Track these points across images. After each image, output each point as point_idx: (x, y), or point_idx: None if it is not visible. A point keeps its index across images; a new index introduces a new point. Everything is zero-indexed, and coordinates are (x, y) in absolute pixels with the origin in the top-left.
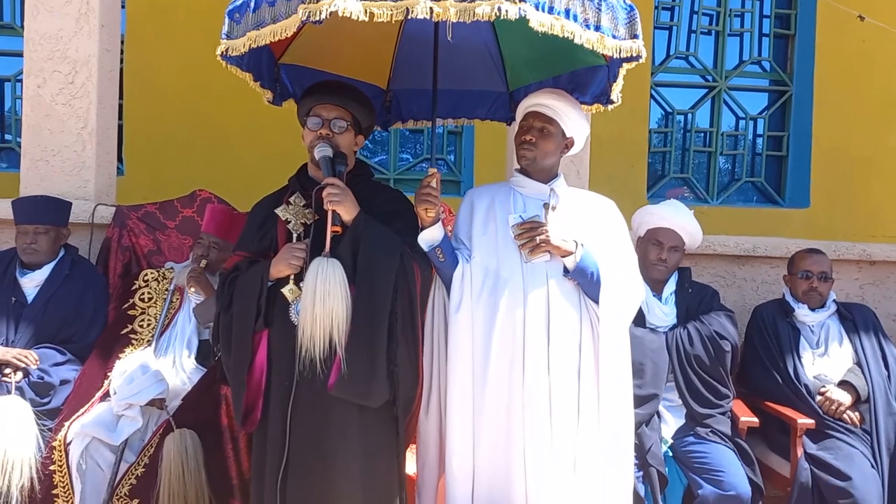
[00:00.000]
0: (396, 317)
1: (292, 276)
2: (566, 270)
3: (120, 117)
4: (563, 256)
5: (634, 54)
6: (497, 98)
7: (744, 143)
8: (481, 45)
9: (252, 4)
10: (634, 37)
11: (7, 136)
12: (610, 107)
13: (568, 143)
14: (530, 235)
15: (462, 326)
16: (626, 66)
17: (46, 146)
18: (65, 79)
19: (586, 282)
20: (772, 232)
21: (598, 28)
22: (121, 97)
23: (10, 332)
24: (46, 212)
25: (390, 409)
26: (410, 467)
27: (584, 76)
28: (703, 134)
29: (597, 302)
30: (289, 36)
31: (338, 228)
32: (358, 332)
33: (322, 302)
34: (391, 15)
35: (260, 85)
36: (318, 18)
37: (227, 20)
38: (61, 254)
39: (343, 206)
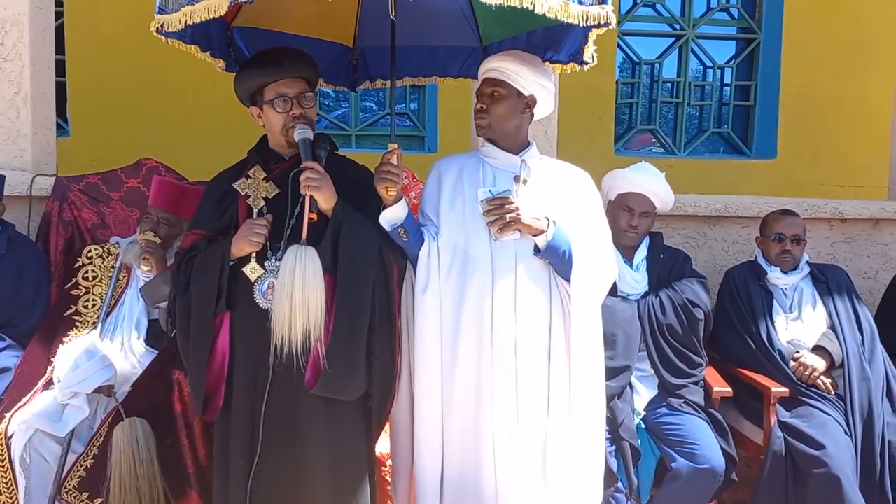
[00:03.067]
0: (374, 308)
1: (254, 255)
2: (537, 249)
3: (63, 74)
4: (534, 235)
5: (603, 21)
6: (470, 53)
7: (711, 92)
8: None
9: None
10: (603, 2)
11: None
12: (585, 67)
13: (528, 103)
14: (500, 213)
15: (429, 308)
16: (595, 30)
17: None
18: None
19: (557, 260)
20: (739, 183)
21: None
22: (62, 52)
23: None
24: None
25: (360, 402)
26: (383, 446)
27: (559, 33)
28: (670, 84)
29: (568, 280)
30: (223, 12)
31: (314, 215)
32: (339, 328)
33: (300, 292)
34: None
35: (210, 55)
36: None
37: None
38: None
39: (321, 193)
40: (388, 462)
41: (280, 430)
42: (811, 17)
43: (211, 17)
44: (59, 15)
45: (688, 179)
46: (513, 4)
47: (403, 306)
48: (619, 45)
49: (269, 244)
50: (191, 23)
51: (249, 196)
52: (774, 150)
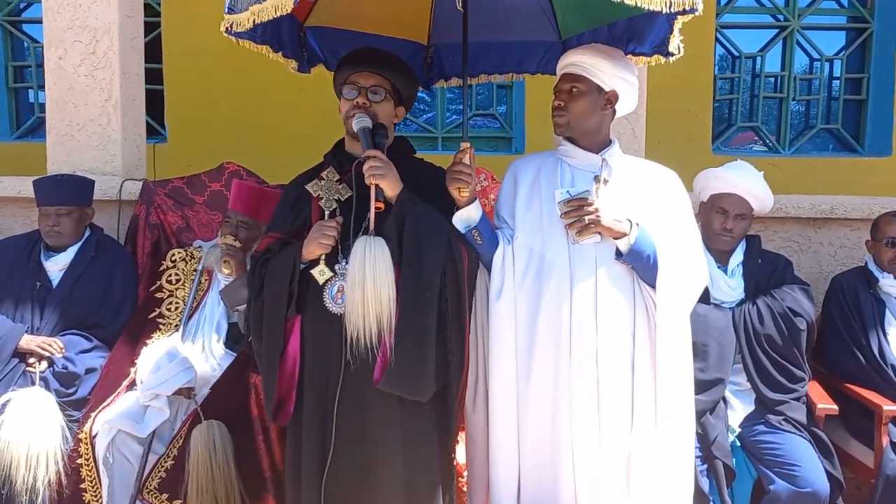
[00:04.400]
0: (446, 302)
1: (323, 257)
2: (619, 253)
3: (161, 82)
4: (615, 238)
5: (688, 7)
6: (549, 49)
7: (819, 86)
8: None
9: None
10: None
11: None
12: (671, 59)
13: (610, 98)
14: (578, 215)
15: (504, 315)
16: (680, 18)
17: (71, 120)
18: (86, 49)
19: (642, 265)
20: (850, 183)
21: None
22: (160, 61)
23: (36, 319)
24: (68, 192)
25: (434, 399)
26: (460, 456)
27: (642, 23)
28: (773, 78)
29: (653, 287)
30: (289, 10)
31: (381, 205)
32: (405, 320)
33: (373, 283)
34: None
35: (283, 55)
36: None
37: None
38: (86, 234)
39: (386, 181)
40: (465, 473)
41: (351, 433)
42: None
43: (279, 14)
44: (157, 25)
45: (794, 179)
46: None
47: (477, 312)
48: (717, 39)
49: (339, 247)
50: (259, 21)
51: (322, 198)
52: (889, 148)
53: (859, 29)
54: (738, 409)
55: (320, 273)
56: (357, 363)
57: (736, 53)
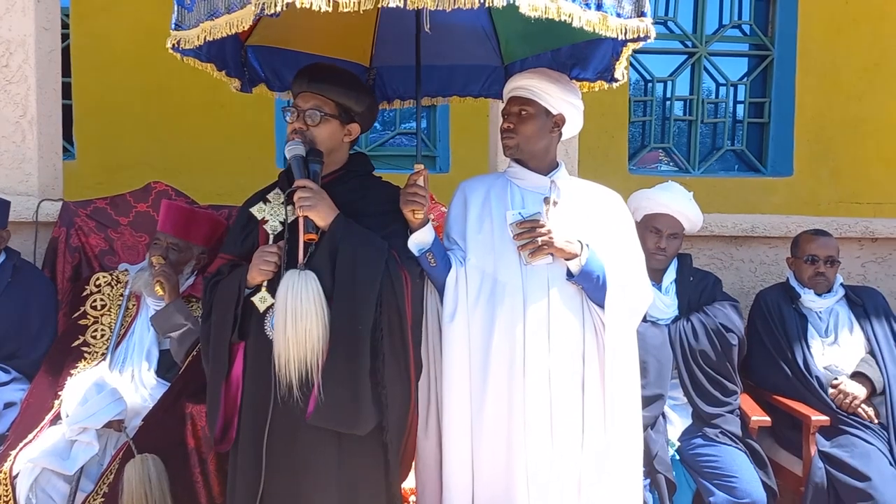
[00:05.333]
0: (382, 332)
1: (265, 283)
2: (570, 274)
3: (69, 97)
4: (566, 259)
5: (642, 34)
6: (492, 73)
7: (724, 110)
8: (471, 18)
9: None
10: (641, 14)
11: None
12: (615, 84)
13: (557, 121)
14: (531, 236)
15: (457, 337)
16: (630, 45)
17: None
18: None
19: (591, 286)
20: (756, 202)
21: (599, 6)
22: (68, 75)
23: None
24: None
25: (377, 435)
26: (408, 481)
27: (586, 49)
28: (683, 102)
29: (601, 307)
30: (246, 29)
31: (313, 236)
32: (336, 354)
33: (294, 322)
34: (357, 3)
35: (225, 73)
36: (273, 11)
37: (176, 7)
38: (1, 259)
39: (316, 211)
40: (412, 498)
41: (284, 465)
42: (826, 34)
43: (232, 31)
44: (65, 37)
45: (704, 198)
46: (549, 17)
47: (430, 335)
48: (631, 63)
49: (282, 273)
50: (210, 39)
51: (266, 221)
52: (791, 168)
53: (761, 56)
54: (677, 424)
55: (261, 300)
56: (284, 401)
57: (648, 77)
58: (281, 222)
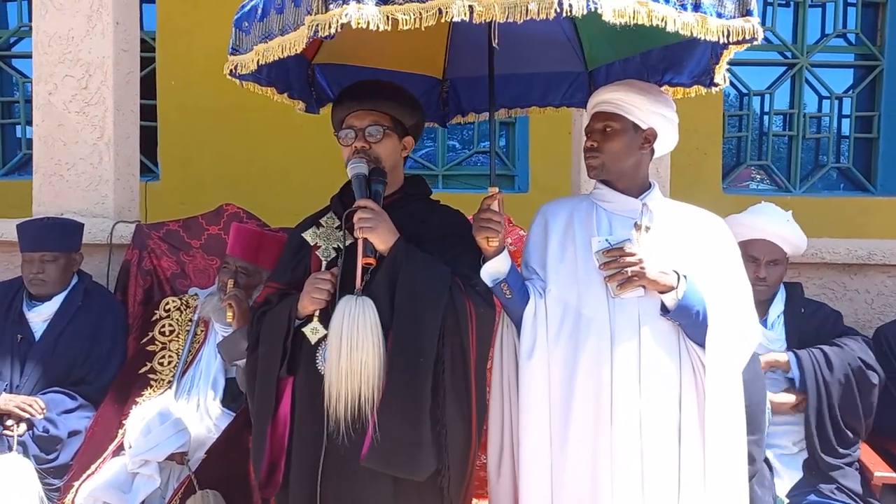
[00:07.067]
0: (444, 367)
1: (317, 313)
2: (664, 309)
3: (155, 119)
4: (660, 292)
5: (748, 35)
6: (574, 79)
7: (829, 125)
8: (550, 23)
9: (259, 12)
10: (747, 13)
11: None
12: (714, 89)
13: (648, 137)
14: (619, 266)
15: (536, 376)
16: (733, 47)
17: (60, 159)
18: (77, 84)
19: (690, 322)
20: (862, 224)
21: (697, 7)
22: (152, 97)
23: (16, 375)
24: (54, 237)
25: (435, 478)
26: None
27: (680, 52)
28: (782, 116)
29: (701, 346)
30: (300, 50)
31: (371, 260)
32: (394, 390)
33: (349, 353)
34: (418, 19)
35: (287, 95)
36: (327, 33)
37: (234, 30)
38: (73, 282)
39: (376, 234)
40: None
41: None
42: None
43: (285, 54)
44: (152, 60)
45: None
46: (640, 22)
47: (505, 373)
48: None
49: (334, 303)
50: (263, 62)
51: (319, 247)
52: None
53: (869, 66)
54: (785, 477)
55: (312, 331)
56: (340, 438)
57: (744, 91)
58: (335, 248)
